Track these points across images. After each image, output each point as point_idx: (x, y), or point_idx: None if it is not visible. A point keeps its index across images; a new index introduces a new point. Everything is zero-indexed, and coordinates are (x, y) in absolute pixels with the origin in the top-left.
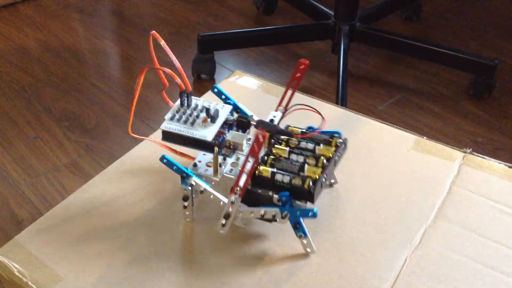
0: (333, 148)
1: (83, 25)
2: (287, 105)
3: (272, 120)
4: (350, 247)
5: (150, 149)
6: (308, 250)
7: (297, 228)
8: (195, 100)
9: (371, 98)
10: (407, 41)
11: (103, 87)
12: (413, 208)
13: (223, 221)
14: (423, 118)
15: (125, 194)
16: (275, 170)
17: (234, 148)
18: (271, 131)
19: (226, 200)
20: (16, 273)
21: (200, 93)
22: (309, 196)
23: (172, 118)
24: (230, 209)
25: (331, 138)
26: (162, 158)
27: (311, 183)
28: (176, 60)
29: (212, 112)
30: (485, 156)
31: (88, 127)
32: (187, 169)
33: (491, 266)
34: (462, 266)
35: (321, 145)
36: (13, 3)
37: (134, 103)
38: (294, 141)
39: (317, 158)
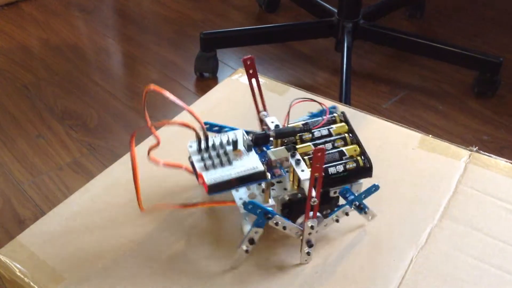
0: (344, 124)
1: (86, 23)
2: (264, 107)
3: (277, 125)
4: (355, 247)
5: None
6: (370, 218)
7: (361, 208)
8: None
9: (375, 96)
10: (411, 39)
11: (105, 85)
12: (418, 207)
13: (307, 249)
14: (428, 116)
15: (128, 193)
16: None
17: (280, 166)
18: (293, 134)
19: (295, 227)
20: (18, 273)
21: (202, 91)
22: (369, 171)
23: (207, 169)
24: (310, 235)
25: (333, 117)
26: (248, 204)
27: (364, 160)
28: (186, 105)
29: (238, 142)
30: (491, 155)
31: (91, 126)
32: (267, 207)
33: (498, 266)
34: (468, 266)
35: (333, 126)
36: (15, 2)
37: (138, 179)
38: (307, 135)
39: (342, 138)
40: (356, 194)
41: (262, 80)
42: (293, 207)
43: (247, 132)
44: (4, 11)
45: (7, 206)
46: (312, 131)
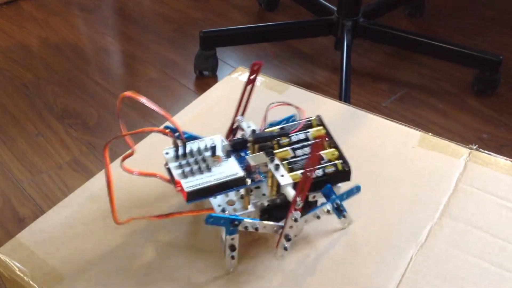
0: (320, 127)
1: (85, 22)
2: (244, 111)
3: (254, 130)
4: (355, 245)
5: (151, 146)
6: (347, 224)
7: (340, 210)
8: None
9: (375, 94)
10: (411, 37)
11: (104, 84)
12: (418, 206)
13: (286, 244)
14: (427, 115)
15: (128, 192)
16: (299, 172)
17: (259, 171)
18: (270, 139)
19: (277, 224)
20: (18, 272)
21: (202, 90)
22: (347, 175)
23: (185, 176)
24: (291, 229)
25: (309, 120)
26: (208, 218)
27: (342, 164)
28: (162, 110)
29: (216, 148)
30: (491, 153)
31: (90, 125)
32: (233, 215)
33: (497, 264)
34: (468, 264)
35: (309, 130)
36: (15, 0)
37: (112, 192)
38: (284, 139)
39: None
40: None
41: (262, 78)
42: (272, 213)
43: (235, 139)
44: (3, 9)
45: (6, 204)
46: (290, 135)
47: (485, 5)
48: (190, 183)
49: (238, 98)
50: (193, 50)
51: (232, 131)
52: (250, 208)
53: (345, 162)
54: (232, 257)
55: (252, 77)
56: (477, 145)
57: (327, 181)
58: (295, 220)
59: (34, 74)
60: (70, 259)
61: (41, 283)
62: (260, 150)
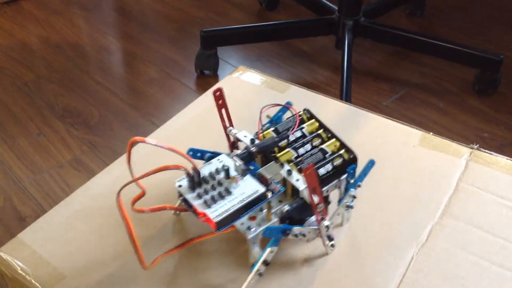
0: (313, 120)
1: (86, 21)
2: (230, 123)
3: (252, 139)
4: (356, 245)
5: (152, 146)
6: (346, 223)
7: (353, 199)
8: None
9: (376, 93)
10: (412, 36)
11: (105, 83)
12: (419, 205)
13: (329, 243)
14: (428, 114)
15: (129, 191)
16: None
17: (274, 181)
18: (273, 146)
19: (312, 229)
20: (19, 271)
21: (203, 89)
22: (355, 162)
23: (208, 206)
24: (327, 231)
25: (300, 116)
26: (266, 231)
27: (348, 153)
28: (171, 147)
29: (230, 169)
30: (492, 152)
31: (91, 124)
32: (284, 225)
33: (498, 264)
34: (469, 264)
35: (303, 125)
36: (15, 0)
37: (135, 240)
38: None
39: (317, 136)
40: (342, 188)
41: (263, 78)
42: (293, 216)
43: (218, 154)
44: (3, 8)
45: (8, 204)
46: (287, 136)
47: (486, 4)
48: (216, 212)
49: (239, 98)
50: (194, 49)
51: (232, 144)
52: (273, 218)
53: (348, 150)
54: (260, 274)
55: (220, 102)
56: (478, 145)
57: (336, 173)
58: (327, 227)
59: (35, 73)
60: (71, 258)
61: (42, 282)
62: (264, 157)
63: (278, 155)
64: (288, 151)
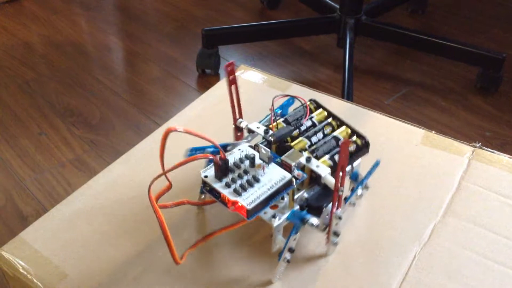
0: (320, 109)
1: (87, 20)
2: (240, 115)
3: (266, 129)
4: (358, 244)
5: (156, 144)
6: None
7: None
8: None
9: (377, 92)
10: (413, 35)
11: (107, 82)
12: (422, 204)
13: (335, 240)
14: (430, 112)
15: (131, 190)
16: (327, 157)
17: (297, 168)
18: (288, 134)
19: (322, 222)
20: (21, 270)
21: (204, 88)
22: (367, 147)
23: (239, 194)
24: (337, 225)
25: (305, 106)
26: (291, 216)
27: (360, 139)
28: (206, 136)
29: (254, 156)
30: (495, 151)
31: (93, 123)
32: (303, 212)
33: (501, 262)
34: (471, 262)
35: (313, 115)
36: None
37: (167, 233)
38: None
39: (327, 124)
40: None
41: (264, 76)
42: (311, 203)
43: (227, 145)
44: (5, 7)
45: (9, 203)
46: (295, 122)
47: (488, 2)
48: (248, 199)
49: (241, 96)
50: (195, 48)
51: (238, 131)
52: (296, 206)
53: (361, 136)
54: (288, 261)
55: (231, 77)
56: (480, 143)
57: (350, 159)
58: (340, 218)
59: (36, 72)
60: (73, 257)
61: (44, 281)
62: (277, 147)
63: (292, 144)
64: (302, 140)
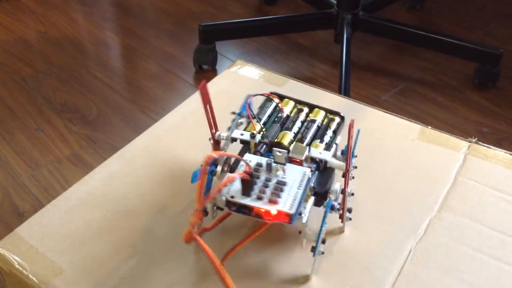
0: (285, 100)
1: (84, 16)
2: (216, 128)
3: (252, 134)
4: (354, 238)
5: (151, 140)
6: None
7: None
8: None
9: (375, 88)
10: (411, 30)
11: (104, 78)
12: (417, 199)
13: (348, 215)
14: (427, 108)
15: (127, 186)
16: (317, 141)
17: (305, 161)
18: (278, 132)
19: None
20: (17, 266)
21: None
22: (343, 119)
23: (276, 202)
24: (349, 201)
25: (269, 99)
26: (327, 206)
27: (335, 115)
28: (234, 154)
29: (271, 161)
30: (491, 146)
31: (90, 119)
32: (329, 200)
33: (497, 257)
34: (467, 257)
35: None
36: None
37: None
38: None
39: (299, 110)
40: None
41: (261, 72)
42: (318, 191)
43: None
44: (2, 3)
45: (6, 199)
46: (272, 118)
47: None
48: (287, 205)
49: (237, 92)
50: (192, 44)
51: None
52: (311, 197)
53: (334, 112)
54: (323, 253)
55: (204, 97)
56: (476, 138)
57: (335, 137)
58: (352, 194)
59: (33, 68)
60: (69, 253)
61: (40, 277)
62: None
63: (277, 140)
64: (285, 133)
